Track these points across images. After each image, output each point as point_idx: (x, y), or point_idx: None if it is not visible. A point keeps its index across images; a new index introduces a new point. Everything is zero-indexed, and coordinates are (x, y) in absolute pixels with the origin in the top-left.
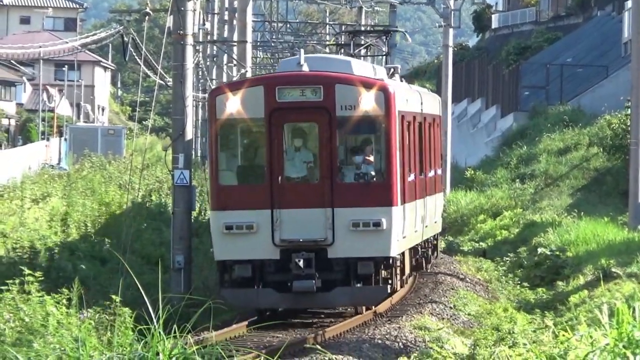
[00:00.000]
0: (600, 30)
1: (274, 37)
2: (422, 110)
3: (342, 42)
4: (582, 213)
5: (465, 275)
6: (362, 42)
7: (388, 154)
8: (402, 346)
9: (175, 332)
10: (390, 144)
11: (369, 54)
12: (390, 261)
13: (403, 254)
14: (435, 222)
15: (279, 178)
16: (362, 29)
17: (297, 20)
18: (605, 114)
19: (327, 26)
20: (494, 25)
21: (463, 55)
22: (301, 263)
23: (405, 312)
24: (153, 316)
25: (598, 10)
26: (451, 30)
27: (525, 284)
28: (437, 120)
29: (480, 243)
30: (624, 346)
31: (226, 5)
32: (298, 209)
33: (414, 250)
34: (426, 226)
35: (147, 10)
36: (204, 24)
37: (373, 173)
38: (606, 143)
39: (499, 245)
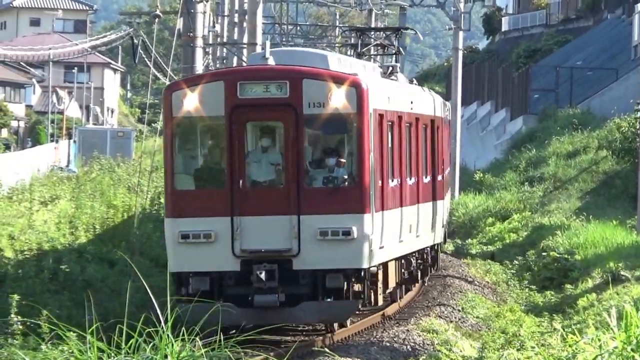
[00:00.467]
0: (610, 33)
1: (283, 39)
2: (412, 110)
3: (352, 43)
4: (591, 216)
5: (473, 278)
6: (371, 42)
7: (360, 156)
8: (410, 349)
9: (183, 335)
10: (362, 145)
11: (378, 53)
12: (362, 273)
13: (383, 265)
14: (435, 232)
15: (240, 182)
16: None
17: (307, 23)
18: (615, 117)
19: (337, 29)
20: (504, 28)
21: (473, 58)
22: (263, 275)
23: (413, 314)
24: (161, 319)
25: (608, 13)
26: (461, 33)
27: (534, 287)
28: (439, 122)
29: (489, 246)
30: (632, 349)
31: (236, 7)
32: (261, 217)
33: (403, 261)
34: (418, 236)
35: (157, 12)
36: (213, 26)
37: (346, 177)
38: (615, 146)
39: (508, 248)
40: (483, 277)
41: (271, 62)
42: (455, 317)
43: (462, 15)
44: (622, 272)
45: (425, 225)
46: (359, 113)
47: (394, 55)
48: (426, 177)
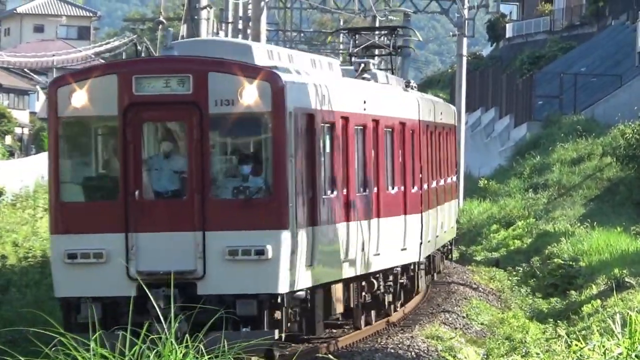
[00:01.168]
0: (614, 40)
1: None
2: (365, 110)
3: (353, 46)
4: (595, 223)
5: (478, 285)
6: (370, 43)
7: (276, 162)
8: (414, 355)
9: (187, 342)
10: (279, 150)
11: (373, 54)
12: (279, 300)
13: (324, 288)
14: (405, 250)
15: (136, 193)
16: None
17: (311, 30)
18: (619, 124)
19: (342, 35)
20: (508, 34)
21: (477, 65)
22: (161, 301)
23: (418, 321)
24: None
25: (612, 20)
26: (465, 40)
27: (538, 294)
28: (417, 126)
29: (493, 253)
30: (636, 356)
31: (240, 14)
32: (160, 233)
33: (364, 283)
34: (378, 254)
35: (161, 18)
36: (217, 33)
37: (262, 187)
38: (619, 153)
39: (512, 255)
40: (487, 284)
41: (176, 53)
42: (460, 324)
43: (466, 21)
44: (626, 279)
45: (392, 242)
46: (274, 112)
47: (390, 56)
48: (392, 188)
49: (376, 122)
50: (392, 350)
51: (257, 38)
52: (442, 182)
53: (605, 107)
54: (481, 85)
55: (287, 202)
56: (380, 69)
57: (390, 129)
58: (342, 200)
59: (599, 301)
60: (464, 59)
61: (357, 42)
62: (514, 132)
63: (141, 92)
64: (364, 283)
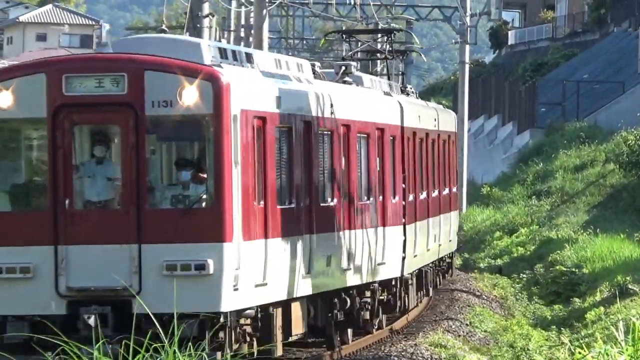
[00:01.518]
0: (616, 47)
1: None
2: (332, 114)
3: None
4: (599, 230)
5: (481, 292)
6: (365, 46)
7: (219, 169)
8: None
9: (190, 350)
10: (221, 155)
11: (367, 58)
12: (222, 319)
13: (283, 306)
14: (383, 264)
15: (67, 202)
16: (378, 45)
17: (314, 37)
18: (622, 131)
19: (345, 43)
20: (511, 41)
21: (479, 72)
22: (91, 321)
23: (421, 329)
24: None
25: (614, 27)
26: (467, 47)
27: (541, 301)
28: (396, 132)
29: (497, 260)
30: None
31: (242, 22)
32: (92, 246)
33: (322, 302)
34: (348, 269)
35: (163, 27)
36: (220, 41)
37: (204, 195)
38: (622, 160)
39: (515, 262)
40: (491, 291)
41: (110, 50)
42: (463, 331)
43: (469, 29)
44: (629, 286)
45: (366, 256)
46: (216, 114)
47: (386, 60)
48: (368, 198)
49: (347, 127)
50: (396, 358)
51: (259, 46)
52: (435, 193)
53: (607, 114)
54: (484, 92)
55: (231, 212)
56: (381, 74)
57: (366, 135)
58: (303, 211)
59: (602, 308)
60: (467, 66)
61: (351, 45)
62: (517, 139)
63: (72, 93)
64: (335, 300)
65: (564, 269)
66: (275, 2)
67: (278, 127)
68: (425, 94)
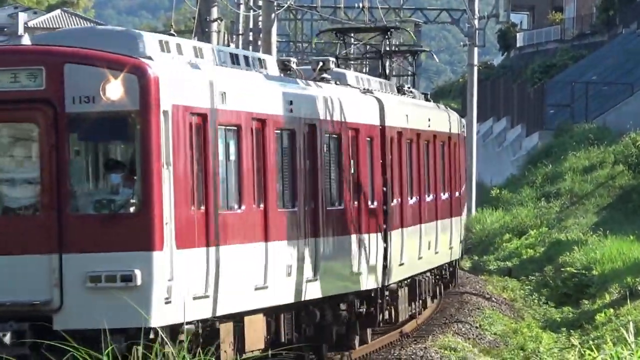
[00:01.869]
0: (625, 48)
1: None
2: (292, 112)
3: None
4: (608, 231)
5: (491, 295)
6: (367, 44)
7: (147, 170)
8: None
9: (199, 355)
10: (149, 155)
11: (364, 57)
12: (152, 335)
13: (235, 320)
14: (359, 274)
15: None
16: (388, 49)
17: (322, 41)
18: (631, 132)
19: (352, 46)
20: (519, 43)
21: (488, 74)
22: (7, 338)
23: (431, 332)
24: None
25: (623, 28)
26: (476, 49)
27: (551, 303)
28: (374, 132)
29: (506, 262)
30: None
31: (251, 26)
32: (8, 256)
33: (286, 316)
34: (315, 279)
35: (172, 31)
36: (228, 45)
37: (131, 199)
38: (631, 161)
39: (525, 264)
40: (500, 294)
41: (27, 41)
42: (473, 334)
43: (477, 31)
44: (639, 287)
45: (335, 265)
46: (142, 110)
47: (381, 59)
48: (337, 203)
49: (311, 126)
50: None
51: (268, 49)
52: (430, 197)
53: (616, 115)
54: (492, 94)
55: (161, 218)
56: (390, 75)
57: (336, 136)
58: (256, 217)
59: (612, 310)
60: (475, 69)
61: (346, 44)
62: (526, 141)
63: None
64: (303, 313)
65: (574, 270)
66: (283, 6)
67: (223, 126)
68: (434, 97)
